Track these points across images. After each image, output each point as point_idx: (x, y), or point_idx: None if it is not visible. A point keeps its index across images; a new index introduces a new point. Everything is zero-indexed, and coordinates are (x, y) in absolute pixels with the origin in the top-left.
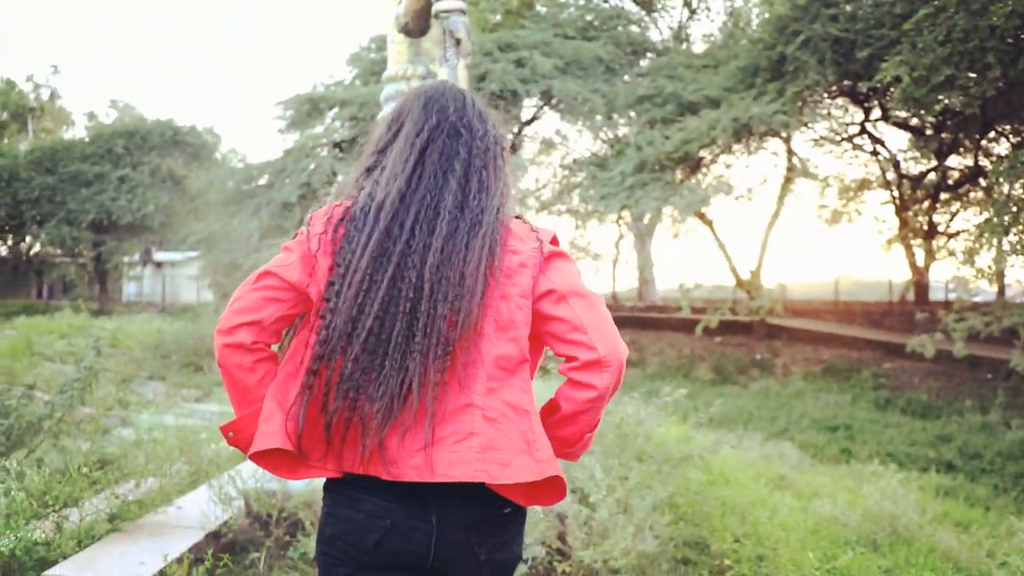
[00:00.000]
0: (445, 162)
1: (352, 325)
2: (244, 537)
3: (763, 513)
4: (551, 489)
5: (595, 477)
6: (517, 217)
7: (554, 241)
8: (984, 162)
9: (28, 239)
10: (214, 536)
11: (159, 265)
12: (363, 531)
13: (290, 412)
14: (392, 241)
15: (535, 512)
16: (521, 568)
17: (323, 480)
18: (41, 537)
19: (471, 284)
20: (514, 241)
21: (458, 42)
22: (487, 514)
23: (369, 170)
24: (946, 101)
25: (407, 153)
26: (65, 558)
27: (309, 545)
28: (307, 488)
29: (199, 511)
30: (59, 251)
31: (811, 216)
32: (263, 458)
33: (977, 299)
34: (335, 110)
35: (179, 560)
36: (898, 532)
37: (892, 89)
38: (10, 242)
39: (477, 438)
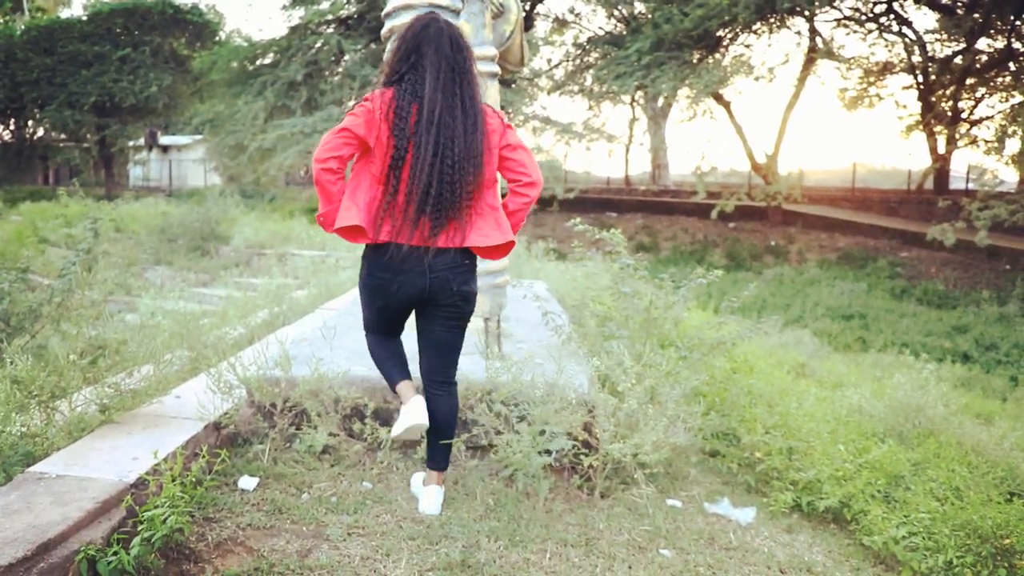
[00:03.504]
0: (451, 87)
1: (424, 179)
2: (246, 428)
3: (790, 403)
4: (504, 250)
5: (623, 364)
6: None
7: (502, 118)
8: (1017, 45)
9: (30, 123)
10: (214, 427)
11: (165, 149)
12: (389, 282)
13: (370, 208)
14: (440, 138)
15: (563, 400)
16: (545, 459)
17: (326, 369)
18: (27, 430)
19: (483, 158)
20: (488, 119)
21: None
22: (457, 264)
23: (394, 82)
24: None
25: (433, 83)
26: (57, 450)
27: (316, 438)
28: (313, 376)
29: (198, 401)
30: (63, 135)
31: (828, 100)
32: (343, 231)
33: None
34: None
35: (173, 455)
36: (923, 424)
37: None
38: (12, 127)
39: (476, 222)
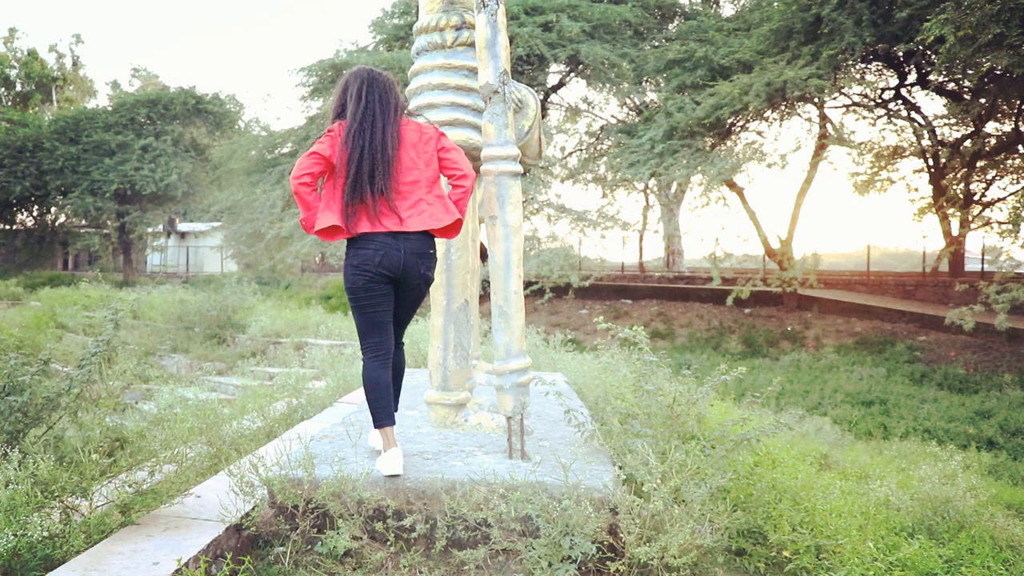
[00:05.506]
0: (380, 121)
1: (371, 179)
2: (268, 530)
3: (816, 498)
4: (455, 227)
5: (648, 463)
6: (426, 121)
7: (437, 129)
8: None
9: (53, 210)
10: (235, 529)
11: (183, 235)
12: (371, 257)
13: (341, 210)
14: (374, 153)
15: (587, 500)
16: (570, 568)
17: (349, 470)
18: (46, 532)
19: (410, 164)
20: (421, 131)
21: None
22: (423, 251)
23: (338, 116)
24: (990, 63)
25: (362, 121)
26: (76, 553)
27: (339, 540)
28: (336, 478)
29: (219, 501)
30: (83, 222)
31: (839, 185)
32: (322, 232)
33: (1017, 270)
34: None
35: (195, 560)
36: (952, 517)
37: (930, 52)
38: (35, 213)
39: (428, 209)
